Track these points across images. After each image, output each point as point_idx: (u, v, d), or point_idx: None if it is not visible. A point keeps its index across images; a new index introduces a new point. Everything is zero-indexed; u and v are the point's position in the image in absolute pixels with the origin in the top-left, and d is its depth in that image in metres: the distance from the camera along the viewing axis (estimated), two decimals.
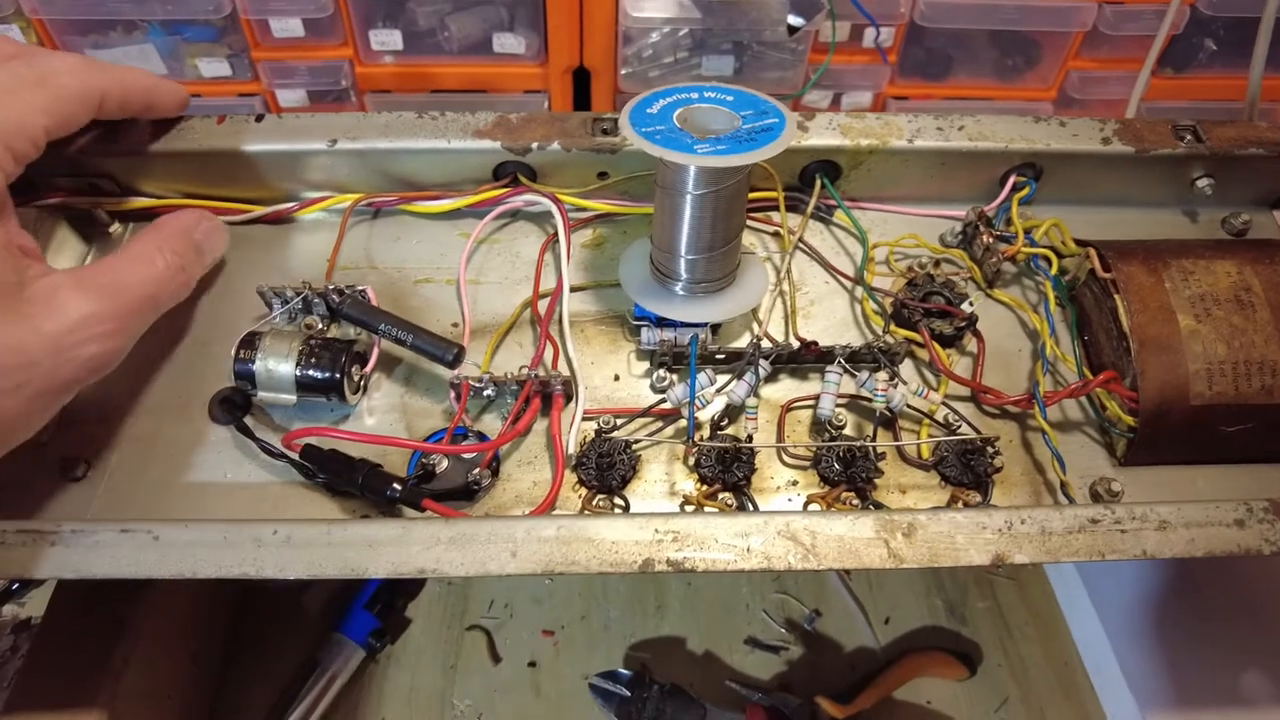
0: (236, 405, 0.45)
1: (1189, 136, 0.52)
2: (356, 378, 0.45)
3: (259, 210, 0.52)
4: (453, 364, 0.44)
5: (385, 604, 0.68)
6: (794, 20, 0.75)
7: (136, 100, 0.45)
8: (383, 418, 0.47)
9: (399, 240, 0.53)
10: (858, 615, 0.71)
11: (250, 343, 0.44)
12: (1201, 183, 0.54)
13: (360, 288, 0.46)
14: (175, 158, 0.49)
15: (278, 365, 0.43)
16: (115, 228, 0.51)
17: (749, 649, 0.68)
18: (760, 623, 0.70)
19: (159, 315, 0.42)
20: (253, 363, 0.43)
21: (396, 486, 0.41)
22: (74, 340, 0.36)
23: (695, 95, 0.44)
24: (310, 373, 0.43)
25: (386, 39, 0.85)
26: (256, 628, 0.67)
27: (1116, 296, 0.47)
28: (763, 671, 0.67)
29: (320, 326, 0.46)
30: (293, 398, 0.44)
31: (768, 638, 0.69)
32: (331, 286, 0.46)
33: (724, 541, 0.37)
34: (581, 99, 0.91)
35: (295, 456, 0.43)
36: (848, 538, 0.38)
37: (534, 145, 0.50)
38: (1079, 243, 0.51)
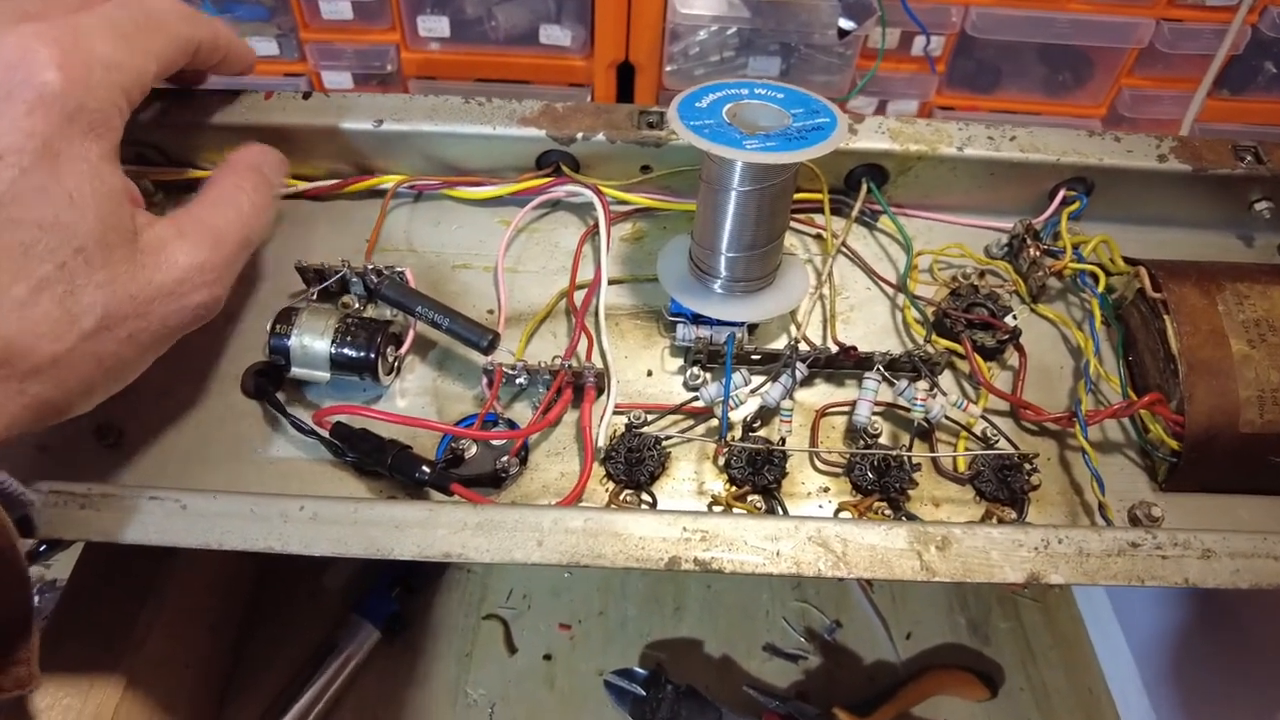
0: (269, 380, 0.45)
1: (1249, 157, 0.51)
2: (391, 359, 0.45)
3: (301, 185, 0.52)
4: (487, 350, 0.44)
5: (405, 588, 0.68)
6: (845, 24, 0.74)
7: (219, 53, 0.44)
8: (414, 400, 0.46)
9: (439, 224, 0.53)
10: (879, 628, 0.70)
11: (286, 318, 0.44)
12: (1260, 205, 0.52)
13: (399, 269, 0.46)
14: (223, 131, 0.49)
15: (313, 342, 0.43)
16: (159, 197, 0.52)
17: (767, 655, 0.68)
18: (780, 630, 0.69)
19: (250, 254, 0.42)
20: (288, 338, 0.43)
21: (425, 469, 0.41)
22: (184, 289, 0.37)
23: (745, 92, 0.43)
24: (345, 351, 0.43)
25: (434, 26, 0.85)
26: (275, 603, 0.68)
27: (1166, 317, 0.46)
28: (780, 679, 0.67)
29: (357, 306, 0.46)
30: (326, 375, 0.44)
31: (786, 645, 0.68)
32: (370, 266, 0.46)
33: (753, 544, 0.37)
34: (625, 94, 0.91)
35: (325, 434, 0.43)
36: (880, 547, 0.37)
37: (579, 135, 0.50)
38: (1128, 261, 0.50)
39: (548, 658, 0.67)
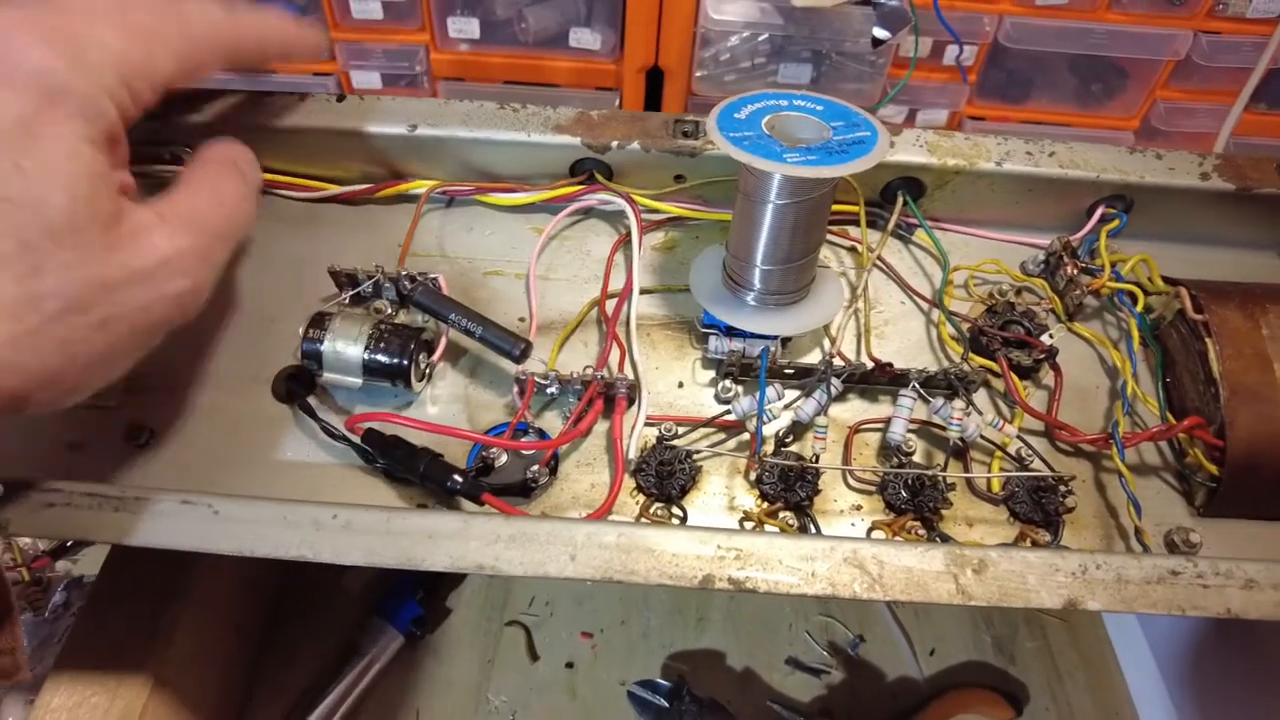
0: (301, 384, 0.45)
1: None
2: (423, 365, 0.45)
3: (334, 190, 0.52)
4: (519, 359, 0.43)
5: (428, 591, 0.67)
6: (879, 32, 0.74)
7: (275, 48, 0.42)
8: (446, 408, 0.46)
9: (471, 230, 0.52)
10: (903, 644, 0.69)
11: (319, 323, 0.44)
12: None
13: (432, 275, 0.46)
14: (256, 132, 0.49)
15: (346, 347, 0.43)
16: None
17: (790, 669, 0.67)
18: (803, 643, 0.69)
19: (233, 247, 0.39)
20: (321, 343, 0.43)
21: (457, 478, 0.41)
22: (163, 275, 0.34)
23: (785, 103, 0.43)
24: (378, 357, 0.43)
25: (464, 27, 0.86)
26: (298, 604, 0.68)
27: (1208, 339, 0.45)
28: (802, 694, 0.66)
29: (389, 311, 0.46)
30: (358, 381, 0.44)
31: (809, 659, 0.68)
32: (404, 272, 0.46)
33: (788, 564, 0.36)
34: (653, 100, 0.90)
35: (357, 440, 0.43)
36: (916, 570, 0.37)
37: (614, 143, 0.49)
38: (1168, 280, 0.49)
39: (569, 666, 0.67)
